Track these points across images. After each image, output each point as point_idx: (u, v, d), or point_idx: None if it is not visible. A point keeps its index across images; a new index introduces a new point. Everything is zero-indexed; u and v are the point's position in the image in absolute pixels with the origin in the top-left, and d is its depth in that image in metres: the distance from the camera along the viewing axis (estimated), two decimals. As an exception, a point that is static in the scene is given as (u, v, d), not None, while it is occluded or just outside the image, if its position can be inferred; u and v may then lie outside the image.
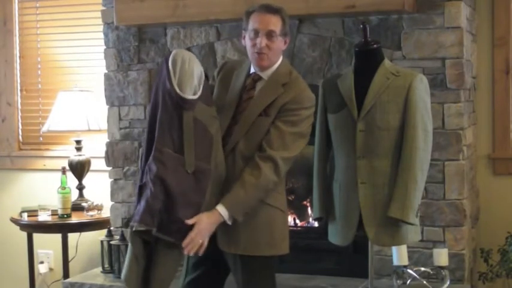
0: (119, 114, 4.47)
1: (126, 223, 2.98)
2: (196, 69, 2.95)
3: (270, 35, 2.96)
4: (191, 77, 2.91)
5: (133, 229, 2.87)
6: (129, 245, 2.96)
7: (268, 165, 2.91)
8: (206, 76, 3.02)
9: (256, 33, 2.96)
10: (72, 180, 4.76)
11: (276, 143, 2.93)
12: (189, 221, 2.85)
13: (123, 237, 4.24)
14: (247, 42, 3.03)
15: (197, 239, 2.87)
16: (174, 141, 2.88)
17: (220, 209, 2.89)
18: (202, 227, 2.87)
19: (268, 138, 2.94)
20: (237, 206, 2.91)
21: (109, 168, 4.52)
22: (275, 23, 2.97)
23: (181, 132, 2.88)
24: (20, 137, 5.27)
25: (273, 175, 2.93)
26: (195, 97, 2.90)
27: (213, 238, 2.94)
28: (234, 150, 2.98)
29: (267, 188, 2.94)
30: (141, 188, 2.89)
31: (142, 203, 2.85)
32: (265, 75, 3.04)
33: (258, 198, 2.94)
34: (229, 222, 2.91)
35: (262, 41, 2.95)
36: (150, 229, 2.84)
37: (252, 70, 3.08)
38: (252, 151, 2.96)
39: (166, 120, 2.88)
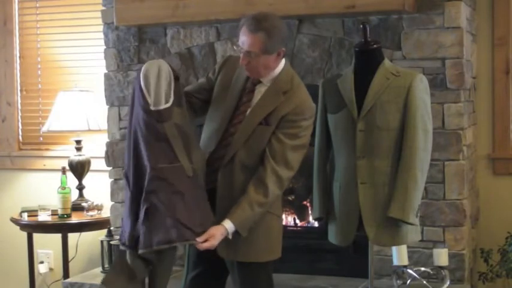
0: (119, 114, 4.47)
1: (126, 245, 2.96)
2: (165, 75, 2.93)
3: (248, 55, 2.91)
4: (161, 86, 2.92)
5: (171, 245, 2.86)
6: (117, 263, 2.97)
7: (273, 180, 2.91)
8: (176, 77, 2.99)
9: (241, 49, 2.94)
10: (72, 180, 4.76)
11: (279, 156, 2.92)
12: (200, 239, 2.85)
13: (123, 237, 4.24)
14: None
15: (212, 242, 2.87)
16: (166, 153, 2.87)
17: (227, 224, 2.88)
18: (217, 237, 2.88)
19: (271, 151, 2.93)
20: (244, 223, 2.91)
21: (109, 168, 4.52)
22: (253, 44, 2.88)
23: (169, 143, 2.88)
24: (20, 137, 5.27)
25: (277, 190, 2.94)
26: (169, 104, 2.91)
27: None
28: (232, 159, 2.96)
29: (272, 202, 2.96)
30: (148, 210, 2.84)
31: (170, 222, 2.82)
32: (266, 80, 3.01)
33: (262, 214, 2.95)
34: (230, 237, 2.90)
35: (243, 59, 2.93)
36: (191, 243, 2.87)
37: None
38: (252, 160, 2.95)
39: (152, 137, 2.87)
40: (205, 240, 2.85)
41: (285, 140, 2.93)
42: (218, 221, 2.91)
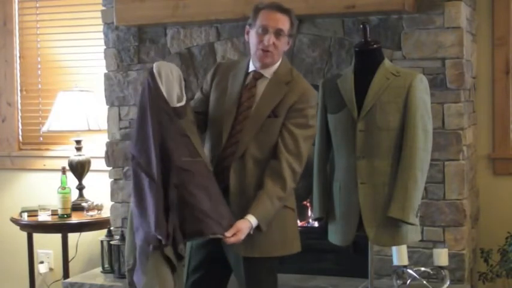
0: (119, 114, 4.47)
1: (158, 246, 2.88)
2: (176, 76, 3.00)
3: (278, 33, 2.97)
4: (173, 87, 2.97)
5: (208, 238, 2.86)
6: (153, 265, 2.86)
7: (289, 174, 2.93)
8: (184, 79, 3.07)
9: (265, 30, 2.96)
10: (72, 180, 4.76)
11: (292, 147, 2.95)
12: (229, 233, 2.84)
13: (123, 237, 4.23)
14: (252, 37, 3.01)
15: (240, 236, 2.86)
16: (188, 148, 2.92)
17: (251, 219, 2.88)
18: (244, 231, 2.87)
19: (285, 143, 2.95)
20: (266, 217, 2.91)
21: (109, 168, 4.52)
22: (284, 22, 2.98)
23: (189, 138, 2.93)
24: (20, 137, 5.27)
25: (292, 183, 2.97)
26: (183, 103, 2.97)
27: (216, 239, 2.92)
28: (243, 155, 2.97)
29: (288, 196, 2.98)
30: (178, 204, 2.84)
31: (199, 214, 2.83)
32: (267, 73, 3.03)
33: (280, 208, 2.97)
34: (251, 232, 2.90)
35: (270, 38, 2.96)
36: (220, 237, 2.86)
37: (252, 68, 3.07)
38: (264, 154, 2.96)
39: (175, 132, 2.91)
40: (232, 235, 2.85)
41: (296, 131, 2.96)
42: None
